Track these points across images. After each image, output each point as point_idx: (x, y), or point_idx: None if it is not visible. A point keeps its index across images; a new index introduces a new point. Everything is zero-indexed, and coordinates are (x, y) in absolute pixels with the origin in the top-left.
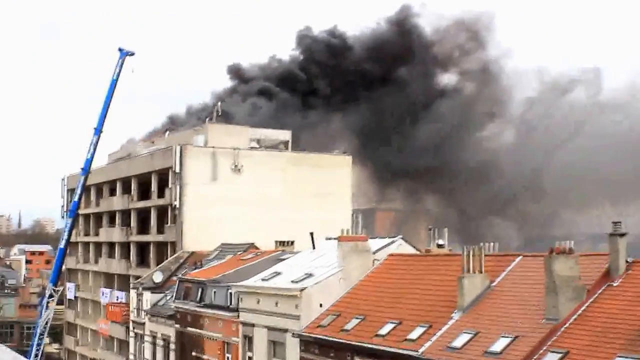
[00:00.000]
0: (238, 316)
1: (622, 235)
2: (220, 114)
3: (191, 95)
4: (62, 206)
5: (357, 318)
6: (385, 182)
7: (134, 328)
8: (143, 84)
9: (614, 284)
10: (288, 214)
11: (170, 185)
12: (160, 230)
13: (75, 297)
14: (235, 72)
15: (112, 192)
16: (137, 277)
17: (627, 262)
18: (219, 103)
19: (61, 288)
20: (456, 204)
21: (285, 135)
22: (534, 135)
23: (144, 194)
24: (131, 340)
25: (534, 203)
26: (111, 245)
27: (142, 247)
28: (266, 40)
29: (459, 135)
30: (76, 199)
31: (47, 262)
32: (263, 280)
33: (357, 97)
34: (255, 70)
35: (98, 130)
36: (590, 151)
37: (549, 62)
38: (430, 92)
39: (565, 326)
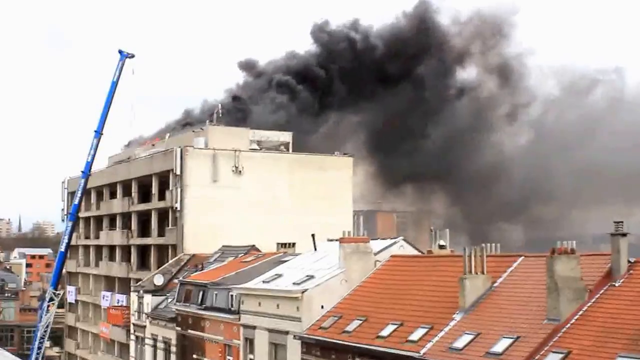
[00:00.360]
0: (239, 319)
1: (624, 235)
2: (221, 115)
3: (207, 95)
4: (63, 209)
5: (358, 319)
6: (395, 183)
7: (134, 331)
8: (155, 85)
9: (616, 284)
10: (289, 215)
11: (170, 188)
12: (161, 233)
13: (75, 300)
14: (249, 67)
15: (113, 195)
16: (138, 280)
17: (629, 262)
18: (220, 105)
19: (62, 291)
20: (466, 206)
21: (285, 136)
22: (552, 135)
23: (145, 196)
24: (132, 344)
25: (546, 205)
26: (112, 248)
27: (143, 250)
28: (277, 37)
29: (473, 137)
30: (76, 202)
31: (48, 265)
32: (264, 282)
33: (372, 95)
34: (271, 66)
35: (98, 133)
36: (607, 151)
37: (570, 61)
38: (446, 91)
39: (566, 327)
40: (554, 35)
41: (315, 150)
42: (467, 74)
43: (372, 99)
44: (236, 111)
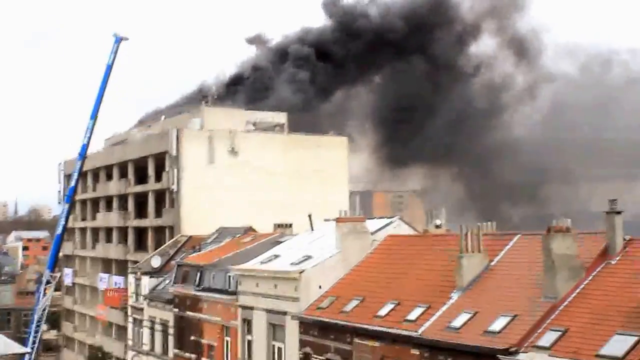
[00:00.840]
0: (237, 300)
1: (619, 213)
2: (216, 97)
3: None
4: (59, 192)
5: (356, 299)
6: (400, 162)
7: (132, 313)
8: (168, 64)
9: (612, 262)
10: (285, 196)
11: (167, 169)
12: (158, 215)
13: (72, 283)
14: (260, 42)
15: (109, 177)
16: (135, 262)
17: (624, 240)
18: (214, 87)
19: (58, 274)
20: (472, 184)
21: (281, 117)
22: (564, 114)
23: (141, 178)
24: (129, 326)
25: (553, 183)
26: (108, 230)
27: (140, 232)
28: (281, 14)
29: (484, 115)
30: (73, 184)
31: (44, 248)
32: (262, 263)
33: (383, 70)
34: (284, 41)
35: (94, 116)
36: (619, 130)
37: (584, 39)
38: (459, 68)
39: (564, 304)
40: (565, 14)
41: (322, 129)
42: (481, 48)
43: (384, 74)
44: (255, 88)
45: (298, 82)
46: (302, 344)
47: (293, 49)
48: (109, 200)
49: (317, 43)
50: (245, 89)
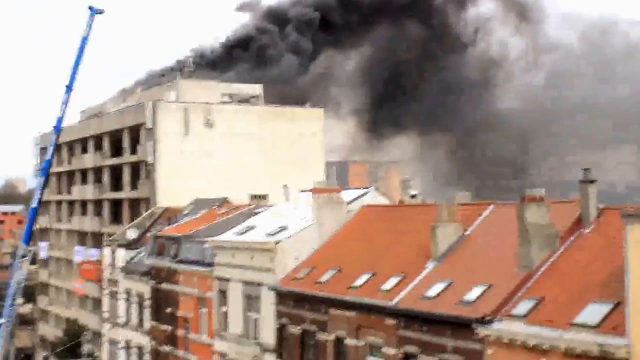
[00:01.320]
0: (213, 271)
1: (592, 182)
2: (192, 69)
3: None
4: (35, 165)
5: (332, 270)
6: (384, 130)
7: (108, 286)
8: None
9: (585, 231)
10: (261, 167)
11: (142, 142)
12: (133, 187)
13: (48, 256)
14: (253, 8)
15: (84, 150)
16: (111, 235)
17: (598, 209)
18: (191, 59)
19: (34, 248)
20: (461, 155)
21: (255, 89)
22: (561, 83)
23: (117, 150)
24: (105, 298)
25: (543, 154)
26: (84, 203)
27: (116, 204)
28: None
29: (479, 85)
30: (48, 157)
31: (20, 222)
32: (237, 234)
33: (377, 34)
34: (281, 7)
35: (69, 88)
36: (619, 99)
37: (585, 7)
38: (454, 37)
39: (538, 273)
40: None
41: (304, 99)
42: (481, 10)
43: (377, 40)
44: (258, 54)
45: (299, 51)
46: (278, 314)
47: (294, 12)
48: (84, 173)
49: (315, 8)
50: (248, 55)
